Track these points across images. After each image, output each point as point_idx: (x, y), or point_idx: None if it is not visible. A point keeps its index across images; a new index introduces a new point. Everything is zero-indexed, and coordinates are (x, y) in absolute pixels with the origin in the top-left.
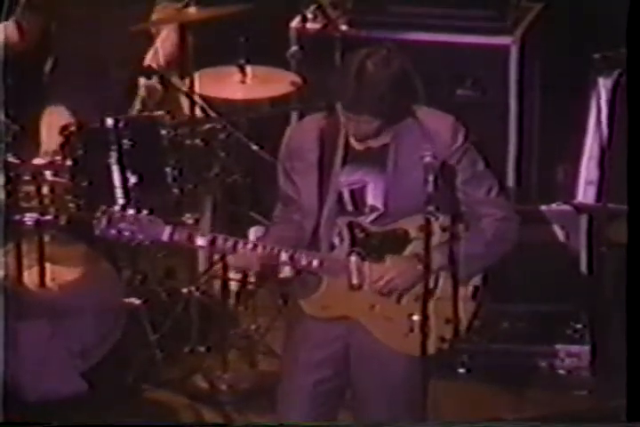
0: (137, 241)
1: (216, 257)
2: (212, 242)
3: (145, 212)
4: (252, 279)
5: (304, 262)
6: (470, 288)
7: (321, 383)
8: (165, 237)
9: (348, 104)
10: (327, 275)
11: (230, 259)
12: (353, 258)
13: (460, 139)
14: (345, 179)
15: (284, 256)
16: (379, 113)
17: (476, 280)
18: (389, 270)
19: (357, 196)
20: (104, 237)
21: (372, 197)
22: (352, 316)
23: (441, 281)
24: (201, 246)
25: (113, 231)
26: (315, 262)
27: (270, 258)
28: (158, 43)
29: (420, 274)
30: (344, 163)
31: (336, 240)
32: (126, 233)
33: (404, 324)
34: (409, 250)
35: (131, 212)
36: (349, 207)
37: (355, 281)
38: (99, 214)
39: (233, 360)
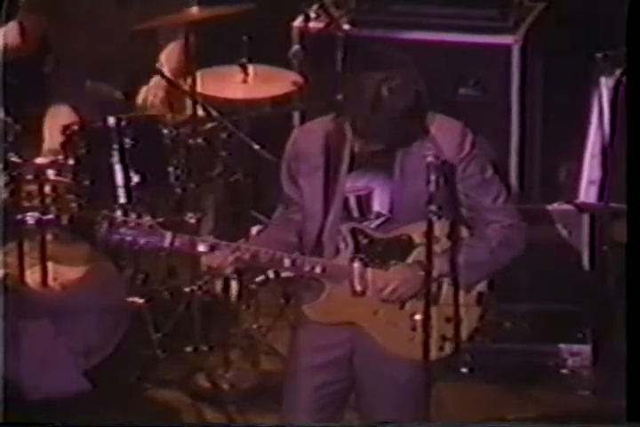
0: (138, 246)
1: None
2: (213, 248)
3: (147, 218)
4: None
5: (307, 268)
6: (474, 294)
7: (324, 386)
8: (166, 243)
9: (360, 129)
10: (330, 281)
11: (204, 258)
12: (356, 264)
13: (468, 145)
14: (351, 185)
15: (286, 262)
16: (388, 139)
17: (481, 286)
18: (393, 279)
19: (364, 202)
20: (105, 242)
21: (379, 204)
22: (355, 322)
23: (445, 287)
24: (202, 252)
25: (115, 236)
26: (317, 269)
27: (271, 262)
28: (163, 57)
29: (423, 281)
30: (350, 168)
31: (341, 246)
32: (128, 238)
33: (407, 328)
34: (413, 256)
35: (132, 217)
36: (355, 213)
37: (357, 287)
38: (100, 219)
39: (235, 359)
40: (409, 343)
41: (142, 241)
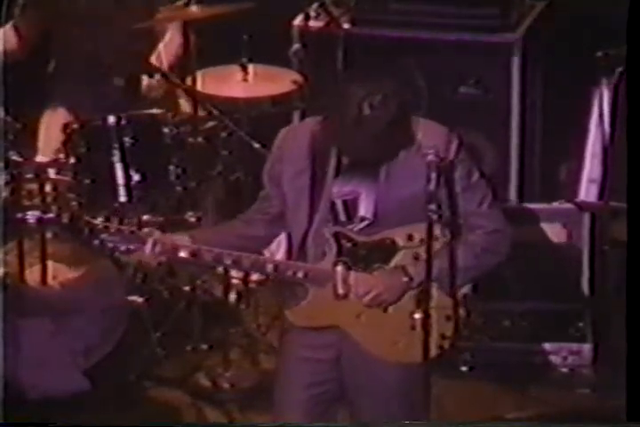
0: (120, 251)
1: None
2: (194, 254)
3: (126, 223)
4: (253, 278)
5: (289, 273)
6: (459, 296)
7: (312, 387)
8: (147, 249)
9: (346, 149)
10: (313, 285)
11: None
12: (339, 268)
13: (453, 151)
14: (338, 189)
15: (269, 267)
16: (374, 155)
17: (466, 289)
18: (376, 285)
19: (350, 207)
20: (88, 245)
21: (364, 209)
22: (339, 325)
23: (433, 291)
24: (184, 258)
25: (95, 242)
26: (300, 273)
27: (253, 266)
28: (162, 46)
29: (405, 287)
30: (337, 172)
31: (326, 249)
32: (109, 245)
33: (390, 332)
34: (396, 260)
35: (114, 224)
36: (342, 218)
37: (340, 291)
38: (81, 225)
39: (235, 359)
40: (392, 347)
41: (123, 247)
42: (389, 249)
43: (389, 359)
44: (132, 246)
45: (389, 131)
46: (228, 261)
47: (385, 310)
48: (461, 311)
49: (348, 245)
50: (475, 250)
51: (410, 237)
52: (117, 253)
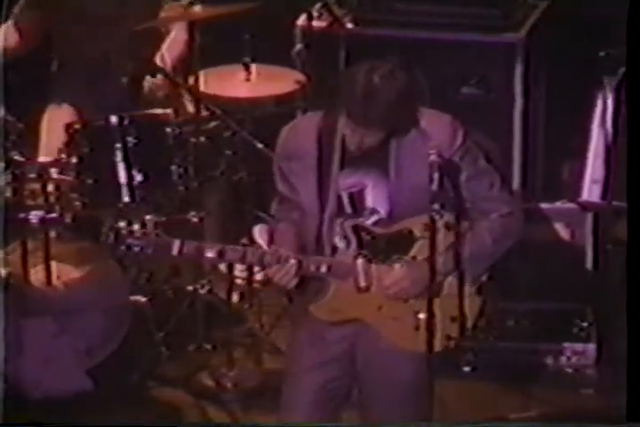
0: (146, 254)
1: None
2: (221, 254)
3: (150, 226)
4: (257, 277)
5: (312, 268)
6: (475, 284)
7: (325, 383)
8: (175, 251)
9: (358, 119)
10: (335, 279)
11: (272, 274)
12: (360, 261)
13: (460, 138)
14: (343, 182)
15: (292, 262)
16: (387, 125)
17: (482, 277)
18: (402, 278)
19: (356, 199)
20: (112, 253)
21: (372, 200)
22: (360, 318)
23: (449, 279)
24: (210, 258)
25: (122, 248)
26: (323, 267)
27: (277, 263)
28: (165, 46)
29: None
30: (342, 165)
31: (341, 243)
32: (135, 249)
33: (411, 323)
34: (415, 250)
35: (136, 227)
36: (348, 210)
37: (362, 284)
38: (105, 231)
39: (238, 358)
40: (413, 337)
41: (150, 250)
42: (407, 240)
43: (411, 349)
44: (159, 249)
45: (400, 101)
46: (253, 259)
47: (406, 300)
48: (477, 300)
49: (367, 237)
50: (492, 235)
51: (426, 227)
52: (142, 256)
